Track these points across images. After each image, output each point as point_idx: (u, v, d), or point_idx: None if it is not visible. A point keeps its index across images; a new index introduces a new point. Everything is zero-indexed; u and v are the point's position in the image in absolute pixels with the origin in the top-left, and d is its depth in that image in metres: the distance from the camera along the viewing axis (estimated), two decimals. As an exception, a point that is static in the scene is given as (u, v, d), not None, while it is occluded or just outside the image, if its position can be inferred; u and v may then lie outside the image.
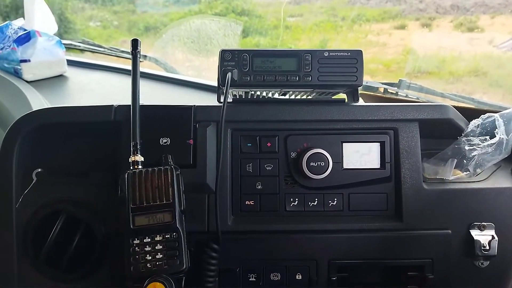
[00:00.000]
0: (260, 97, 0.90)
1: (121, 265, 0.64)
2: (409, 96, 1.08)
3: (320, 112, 0.76)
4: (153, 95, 1.17)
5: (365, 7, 1.92)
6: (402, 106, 0.76)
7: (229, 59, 0.73)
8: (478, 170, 0.76)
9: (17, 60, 1.19)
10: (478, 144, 0.75)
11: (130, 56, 0.73)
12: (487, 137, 0.76)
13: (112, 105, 0.75)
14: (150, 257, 0.62)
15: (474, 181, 0.77)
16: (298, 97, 0.87)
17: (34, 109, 0.80)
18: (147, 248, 0.63)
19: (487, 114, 0.78)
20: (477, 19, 1.56)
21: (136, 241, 0.63)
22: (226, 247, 0.73)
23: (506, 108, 0.79)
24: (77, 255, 0.73)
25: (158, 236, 0.64)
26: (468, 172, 0.76)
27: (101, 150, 0.77)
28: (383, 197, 0.76)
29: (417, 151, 0.76)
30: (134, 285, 0.62)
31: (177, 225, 0.64)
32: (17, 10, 1.74)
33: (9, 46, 1.21)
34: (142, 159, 0.68)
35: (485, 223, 0.76)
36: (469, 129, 0.78)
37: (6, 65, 1.23)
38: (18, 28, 1.25)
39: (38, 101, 1.05)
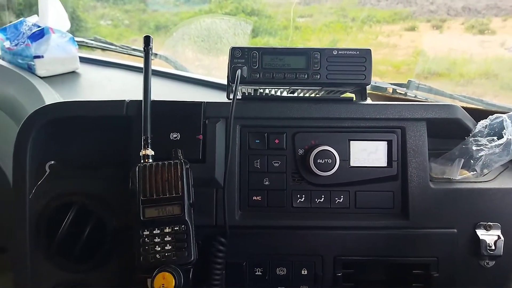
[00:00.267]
0: (269, 95, 0.91)
1: (130, 256, 0.65)
2: (418, 97, 1.08)
3: (328, 110, 0.76)
4: (163, 92, 1.19)
5: (375, 8, 1.91)
6: (410, 105, 0.77)
7: (239, 56, 0.74)
8: (485, 171, 0.77)
9: (31, 56, 1.21)
10: (486, 145, 0.76)
11: (141, 54, 0.74)
12: (495, 138, 0.76)
13: (124, 100, 0.77)
14: (159, 248, 0.64)
15: (481, 181, 0.78)
16: (307, 95, 0.88)
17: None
18: (157, 240, 0.64)
19: (495, 115, 0.78)
20: (489, 22, 1.55)
21: (146, 233, 0.65)
22: (233, 241, 0.74)
23: (515, 110, 0.80)
24: (87, 246, 0.75)
25: (167, 228, 0.65)
26: (475, 172, 0.76)
27: (112, 144, 0.79)
28: (389, 195, 0.77)
29: (425, 150, 0.76)
30: (144, 275, 0.64)
31: (186, 218, 0.65)
32: (31, 8, 1.77)
33: (23, 42, 1.23)
34: (153, 153, 0.69)
35: (491, 223, 0.76)
36: (476, 130, 0.78)
37: (20, 61, 1.25)
38: (32, 24, 1.27)
39: (51, 96, 1.07)
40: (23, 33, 1.26)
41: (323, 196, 0.77)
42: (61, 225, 0.74)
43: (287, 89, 0.84)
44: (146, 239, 0.64)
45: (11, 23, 1.31)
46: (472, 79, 1.44)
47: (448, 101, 1.08)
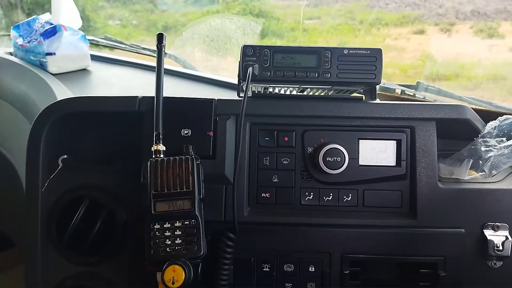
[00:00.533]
0: (279, 94, 0.92)
1: (140, 249, 0.66)
2: (427, 98, 1.08)
3: (337, 109, 0.77)
4: (173, 90, 1.20)
5: (383, 11, 1.91)
6: (420, 105, 0.77)
7: (250, 54, 0.75)
8: (494, 172, 0.77)
9: (43, 53, 1.23)
10: (495, 146, 0.76)
11: (150, 53, 0.75)
12: (504, 139, 0.77)
13: (137, 96, 0.78)
14: (169, 242, 0.65)
15: (489, 182, 0.78)
16: (316, 94, 0.89)
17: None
18: (167, 233, 0.65)
19: (505, 116, 0.78)
20: (498, 26, 1.55)
21: (157, 226, 0.65)
22: (242, 237, 0.75)
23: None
24: (98, 239, 0.76)
25: (177, 222, 0.66)
26: (483, 173, 0.77)
27: (124, 139, 0.80)
28: (398, 194, 0.77)
29: (434, 150, 0.77)
30: (153, 268, 0.65)
31: (196, 213, 0.66)
32: (43, 6, 1.79)
33: (36, 40, 1.25)
34: (164, 148, 0.70)
35: (499, 224, 0.76)
36: (485, 131, 0.78)
37: (32, 57, 1.27)
38: (45, 22, 1.28)
39: (62, 92, 1.09)
40: (36, 31, 1.28)
41: (331, 194, 0.77)
42: (73, 218, 0.75)
43: (297, 88, 0.85)
44: (157, 232, 0.65)
45: (23, 21, 1.33)
46: (480, 83, 1.44)
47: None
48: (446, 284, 0.76)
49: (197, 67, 1.53)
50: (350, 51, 0.74)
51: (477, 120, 0.78)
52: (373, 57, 0.74)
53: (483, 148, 0.76)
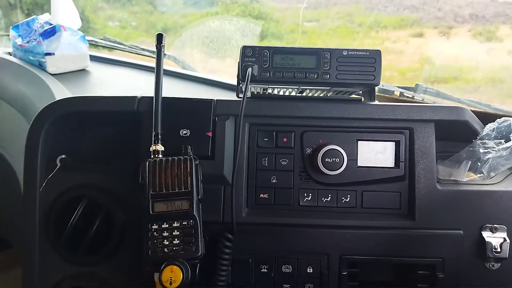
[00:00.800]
0: (278, 95, 0.92)
1: (138, 250, 0.66)
2: (425, 100, 1.08)
3: (336, 110, 0.77)
4: (172, 91, 1.20)
5: (382, 14, 1.92)
6: (419, 106, 0.77)
7: (250, 55, 0.75)
8: (492, 173, 0.77)
9: (42, 53, 1.23)
10: (493, 147, 0.76)
11: (149, 54, 0.75)
12: (502, 141, 0.77)
13: (136, 96, 0.78)
14: (167, 242, 0.65)
15: (488, 184, 0.78)
16: (315, 95, 0.89)
17: (57, 100, 0.83)
18: (165, 234, 0.65)
19: (503, 118, 0.78)
20: (496, 29, 1.55)
21: (155, 226, 0.65)
22: (240, 238, 0.75)
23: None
24: (96, 239, 0.76)
25: (175, 222, 0.66)
26: (482, 175, 0.77)
27: (122, 139, 0.80)
28: (396, 195, 0.77)
29: (432, 152, 0.77)
30: (151, 269, 0.64)
31: (194, 213, 0.66)
32: (42, 7, 1.79)
33: (35, 40, 1.24)
34: (163, 148, 0.70)
35: (497, 226, 0.76)
36: (484, 132, 0.78)
37: (31, 57, 1.26)
38: (44, 22, 1.28)
39: (61, 92, 1.08)
40: (35, 31, 1.28)
41: (330, 195, 0.77)
42: (71, 218, 0.75)
43: (296, 89, 0.85)
44: (155, 233, 0.65)
45: (23, 21, 1.33)
46: (478, 86, 1.44)
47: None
48: (444, 285, 0.76)
49: (196, 68, 1.53)
50: (349, 53, 0.74)
51: (475, 122, 0.79)
52: (372, 58, 0.74)
53: (481, 150, 0.76)
